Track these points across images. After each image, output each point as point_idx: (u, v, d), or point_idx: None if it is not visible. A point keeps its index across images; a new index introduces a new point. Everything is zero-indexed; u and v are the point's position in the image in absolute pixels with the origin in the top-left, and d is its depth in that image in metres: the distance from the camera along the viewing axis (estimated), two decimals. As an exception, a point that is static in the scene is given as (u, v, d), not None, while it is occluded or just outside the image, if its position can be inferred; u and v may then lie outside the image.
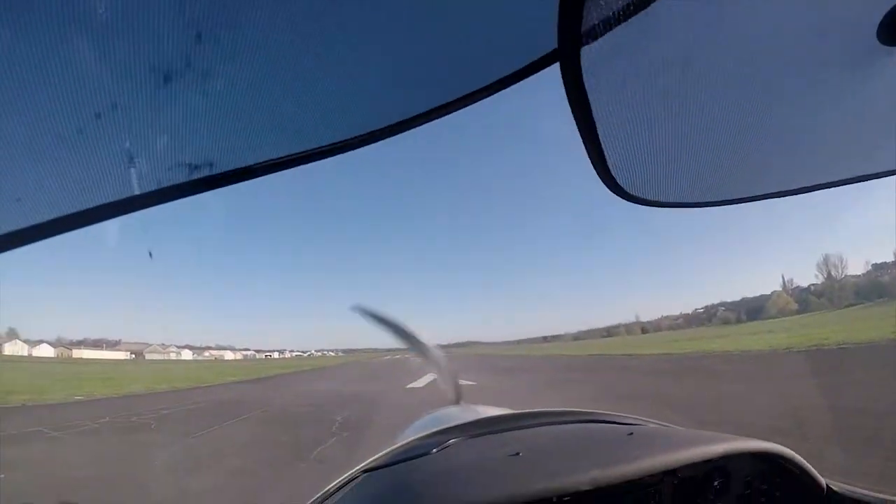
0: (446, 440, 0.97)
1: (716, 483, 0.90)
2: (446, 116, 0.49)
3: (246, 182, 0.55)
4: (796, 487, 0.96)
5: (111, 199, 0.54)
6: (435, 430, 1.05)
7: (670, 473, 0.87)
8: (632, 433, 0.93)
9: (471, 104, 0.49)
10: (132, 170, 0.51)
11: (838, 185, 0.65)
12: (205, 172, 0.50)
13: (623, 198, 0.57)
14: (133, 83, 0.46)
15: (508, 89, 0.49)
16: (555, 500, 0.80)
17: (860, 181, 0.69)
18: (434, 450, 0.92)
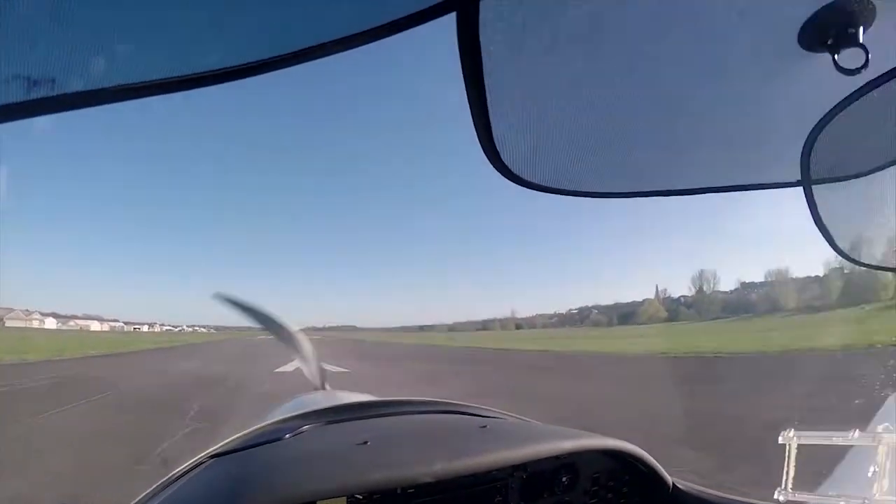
0: (300, 426, 0.96)
1: (564, 479, 0.93)
2: (329, 58, 0.45)
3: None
4: (643, 484, 1.03)
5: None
6: (291, 414, 1.04)
7: (519, 468, 0.88)
8: (485, 426, 0.95)
9: (358, 46, 0.45)
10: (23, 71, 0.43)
11: (731, 191, 0.67)
12: (44, 92, 0.44)
13: (505, 175, 0.55)
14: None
15: (400, 37, 0.45)
16: (399, 490, 0.79)
17: (754, 189, 0.72)
18: (287, 435, 0.91)
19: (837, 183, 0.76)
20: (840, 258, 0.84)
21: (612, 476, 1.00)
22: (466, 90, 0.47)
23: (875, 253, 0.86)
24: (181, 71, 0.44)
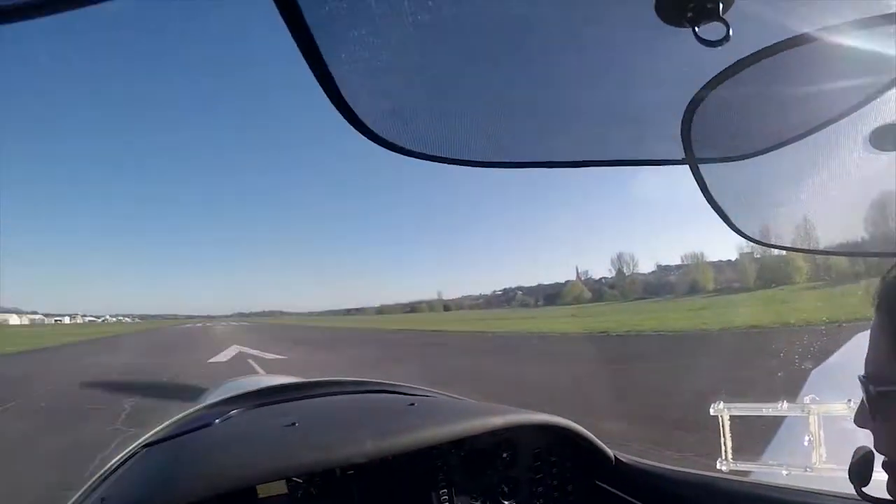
0: (228, 410, 0.95)
1: (504, 455, 0.96)
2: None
3: None
4: (587, 459, 1.05)
5: None
6: (219, 399, 1.04)
7: (457, 445, 0.91)
8: (413, 403, 0.96)
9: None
10: None
11: (611, 165, 0.66)
12: None
13: (370, 138, 0.50)
14: None
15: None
16: (339, 473, 0.81)
17: (635, 164, 0.71)
18: (216, 420, 0.91)
19: (723, 163, 0.77)
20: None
21: (553, 451, 1.04)
22: (312, 70, 0.42)
23: (773, 233, 0.88)
24: None
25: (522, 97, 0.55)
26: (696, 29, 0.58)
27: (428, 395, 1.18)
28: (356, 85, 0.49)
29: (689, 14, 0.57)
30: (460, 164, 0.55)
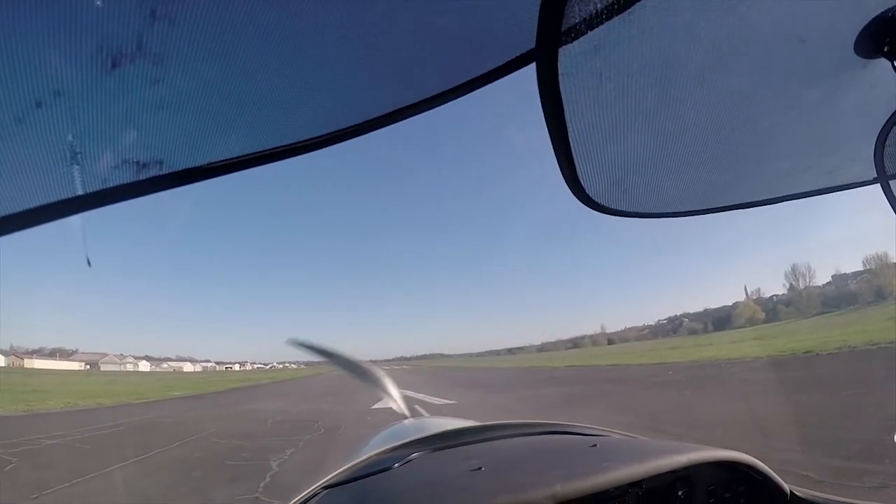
0: (408, 454, 0.95)
1: (680, 493, 0.92)
2: (421, 115, 0.47)
3: (203, 182, 0.51)
4: (760, 494, 0.98)
5: (53, 199, 0.49)
6: (397, 444, 1.03)
7: (635, 485, 0.88)
8: (595, 444, 0.93)
9: (446, 102, 0.47)
10: (75, 167, 0.47)
11: (809, 196, 0.67)
12: (154, 172, 0.46)
13: (589, 206, 0.56)
14: (77, 67, 0.42)
15: (486, 89, 0.47)
16: None
17: (831, 192, 0.71)
18: (396, 464, 0.90)
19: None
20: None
21: (728, 487, 0.97)
22: (550, 136, 0.48)
23: None
24: (282, 141, 0.46)
25: (726, 146, 0.59)
26: (894, 63, 0.60)
27: (607, 434, 1.15)
28: (588, 162, 0.55)
29: (886, 48, 0.60)
30: (671, 217, 0.59)
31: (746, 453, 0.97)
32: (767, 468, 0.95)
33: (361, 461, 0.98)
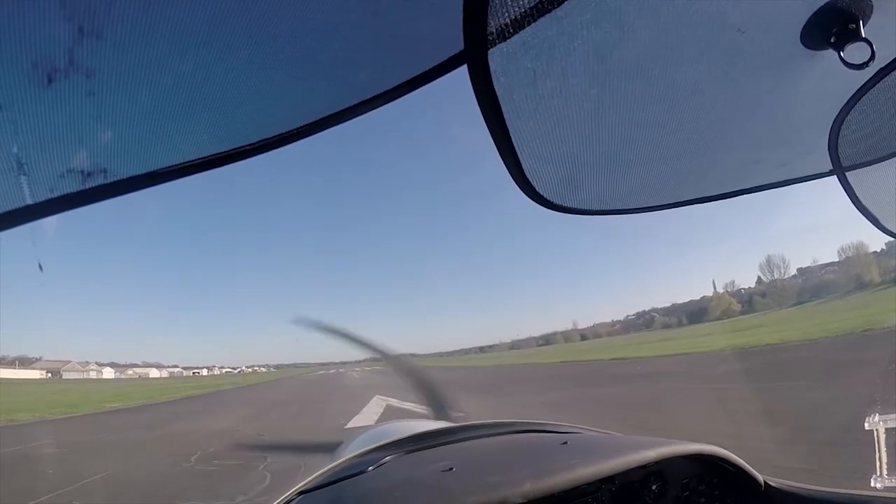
0: (382, 457, 0.96)
1: (654, 487, 0.92)
2: (356, 119, 0.48)
3: (168, 183, 0.52)
4: (734, 485, 0.98)
5: (3, 208, 0.50)
6: (371, 447, 1.05)
7: (607, 481, 0.88)
8: (566, 442, 0.94)
9: (384, 104, 0.48)
10: (22, 177, 0.48)
11: (765, 189, 0.67)
12: (99, 180, 0.48)
13: (542, 204, 0.56)
14: (14, 82, 0.43)
15: (421, 91, 0.48)
16: None
17: (788, 184, 0.71)
18: (370, 468, 0.92)
19: (871, 166, 0.74)
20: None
21: (702, 480, 0.99)
22: (491, 135, 0.49)
23: None
24: (233, 144, 0.48)
25: (677, 140, 0.59)
26: (841, 53, 0.60)
27: (578, 431, 1.15)
28: (535, 161, 0.55)
29: (833, 39, 0.59)
30: (625, 213, 0.59)
31: (718, 445, 0.97)
32: (740, 460, 0.96)
33: (336, 465, 0.99)
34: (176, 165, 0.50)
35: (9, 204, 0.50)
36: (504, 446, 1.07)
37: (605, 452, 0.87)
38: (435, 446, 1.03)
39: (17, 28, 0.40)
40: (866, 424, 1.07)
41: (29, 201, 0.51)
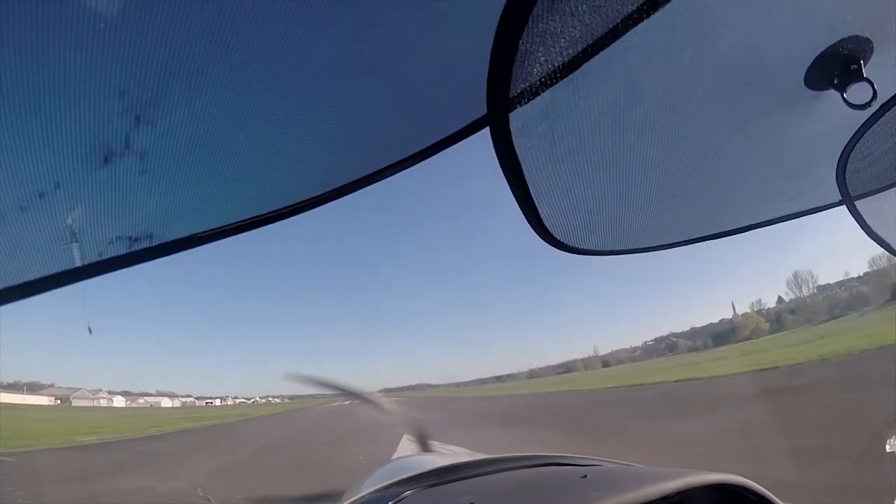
0: (401, 492, 0.96)
1: None
2: (381, 182, 0.51)
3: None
4: None
5: (54, 270, 0.54)
6: (390, 482, 1.04)
7: None
8: (585, 476, 0.94)
9: (405, 169, 0.51)
10: (74, 244, 0.51)
11: (777, 223, 0.69)
12: (145, 244, 0.51)
13: (558, 248, 0.59)
14: (75, 165, 0.47)
15: (444, 154, 0.51)
16: None
17: (800, 216, 0.73)
18: (390, 502, 0.91)
19: (879, 194, 0.77)
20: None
21: None
22: (512, 191, 0.52)
23: None
24: (259, 211, 0.51)
25: (689, 183, 0.61)
26: (844, 94, 0.62)
27: (598, 464, 1.15)
28: (553, 209, 0.57)
29: (836, 80, 0.62)
30: (641, 252, 0.61)
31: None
32: (762, 488, 0.95)
33: (355, 501, 1.00)
34: (210, 230, 0.54)
35: (59, 266, 0.54)
36: (524, 481, 1.07)
37: (625, 485, 0.87)
38: (455, 481, 1.03)
39: (79, 115, 0.44)
40: (888, 447, 1.06)
41: (78, 264, 0.54)
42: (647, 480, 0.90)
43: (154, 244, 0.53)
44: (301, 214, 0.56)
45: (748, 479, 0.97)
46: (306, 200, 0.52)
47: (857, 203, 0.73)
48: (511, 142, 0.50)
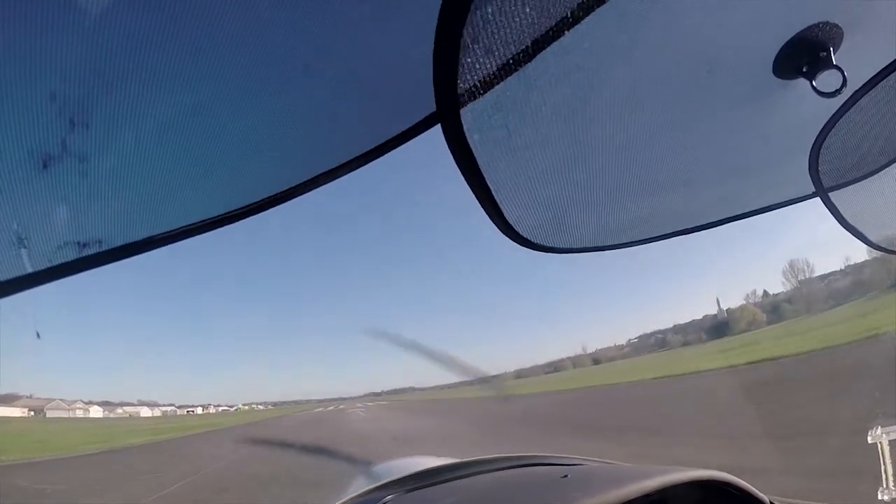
0: (384, 496, 0.96)
1: None
2: (333, 182, 0.50)
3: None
4: None
5: (3, 278, 0.53)
6: (373, 486, 1.05)
7: None
8: (566, 475, 0.94)
9: (356, 169, 0.50)
10: (23, 250, 0.50)
11: (751, 216, 0.67)
12: (95, 249, 0.50)
13: (526, 246, 0.57)
14: (16, 171, 0.46)
15: (398, 151, 0.50)
16: None
17: (774, 209, 0.71)
18: None
19: (853, 185, 0.75)
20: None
21: None
22: (471, 189, 0.50)
23: None
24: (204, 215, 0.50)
25: (658, 177, 0.60)
26: (814, 82, 0.60)
27: (580, 463, 1.15)
28: (516, 207, 0.56)
29: (805, 68, 0.60)
30: (612, 249, 0.60)
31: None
32: (744, 483, 0.95)
33: None
34: (164, 233, 0.52)
35: (9, 273, 0.53)
36: (505, 482, 1.06)
37: (606, 484, 0.87)
38: (436, 483, 1.03)
39: (12, 121, 0.43)
40: (869, 438, 1.06)
41: (29, 270, 0.53)
42: (627, 479, 0.90)
43: (105, 249, 0.52)
44: (260, 214, 0.55)
45: (729, 473, 0.96)
46: (262, 200, 0.51)
47: (831, 194, 0.72)
48: (464, 138, 0.48)
